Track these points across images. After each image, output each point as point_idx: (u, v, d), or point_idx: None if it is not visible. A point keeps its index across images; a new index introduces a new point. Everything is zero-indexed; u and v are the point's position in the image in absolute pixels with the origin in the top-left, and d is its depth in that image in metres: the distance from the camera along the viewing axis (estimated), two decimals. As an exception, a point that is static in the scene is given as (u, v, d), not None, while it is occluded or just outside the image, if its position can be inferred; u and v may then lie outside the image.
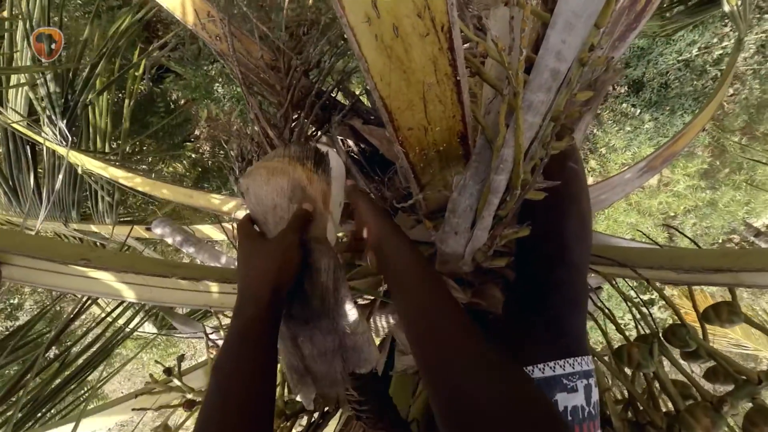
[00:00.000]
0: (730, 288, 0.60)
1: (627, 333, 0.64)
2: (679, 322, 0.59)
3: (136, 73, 2.02)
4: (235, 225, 1.40)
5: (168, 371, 0.93)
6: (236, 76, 0.88)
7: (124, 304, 1.70)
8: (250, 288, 0.42)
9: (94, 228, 1.92)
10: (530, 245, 0.55)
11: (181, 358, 0.97)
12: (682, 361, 0.61)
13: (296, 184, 0.49)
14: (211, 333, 1.05)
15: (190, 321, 1.53)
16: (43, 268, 0.47)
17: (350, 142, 1.12)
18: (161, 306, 1.72)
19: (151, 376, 0.96)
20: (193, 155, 3.65)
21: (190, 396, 0.91)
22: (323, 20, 1.00)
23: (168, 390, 0.93)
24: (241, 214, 1.27)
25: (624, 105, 3.45)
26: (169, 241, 1.06)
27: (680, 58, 3.24)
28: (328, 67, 0.97)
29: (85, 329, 1.41)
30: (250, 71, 0.99)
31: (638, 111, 3.44)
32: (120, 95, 2.30)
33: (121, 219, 2.10)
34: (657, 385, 0.60)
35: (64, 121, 1.48)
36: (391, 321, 0.89)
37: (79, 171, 1.61)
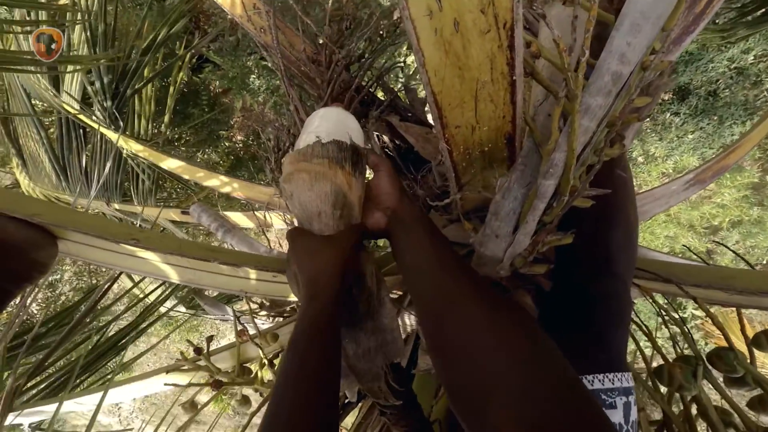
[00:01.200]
0: (786, 313, 0.56)
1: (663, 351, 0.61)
2: (725, 346, 0.56)
3: (180, 63, 2.09)
4: (265, 213, 1.43)
5: (198, 350, 0.97)
6: (278, 68, 0.89)
7: (158, 286, 1.78)
8: (323, 276, 0.44)
9: (133, 209, 2.01)
10: (572, 254, 0.54)
11: (210, 339, 1.00)
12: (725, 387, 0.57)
13: (339, 190, 0.49)
14: (240, 317, 1.07)
15: (218, 304, 1.58)
16: (94, 245, 0.49)
17: (386, 138, 1.12)
18: (195, 287, 1.79)
19: (181, 353, 1.00)
20: (227, 144, 3.76)
21: (217, 377, 0.94)
22: (364, 16, 1.00)
23: (196, 368, 0.96)
24: (275, 202, 1.29)
25: (666, 114, 3.29)
26: (205, 225, 1.10)
27: (733, 66, 3.05)
28: (369, 62, 0.97)
29: (123, 308, 1.49)
30: (291, 63, 1.00)
31: (681, 121, 3.27)
32: (164, 83, 2.40)
33: (158, 202, 2.19)
34: (694, 409, 0.57)
35: (114, 107, 1.56)
36: (415, 320, 0.88)
37: (124, 154, 1.69)
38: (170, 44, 2.35)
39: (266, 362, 0.87)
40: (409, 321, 0.80)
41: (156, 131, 2.10)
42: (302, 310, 0.43)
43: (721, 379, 0.58)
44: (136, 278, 2.11)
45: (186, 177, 1.43)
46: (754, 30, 1.80)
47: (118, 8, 1.62)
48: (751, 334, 0.58)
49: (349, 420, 0.96)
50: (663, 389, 0.59)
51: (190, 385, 0.87)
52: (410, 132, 1.01)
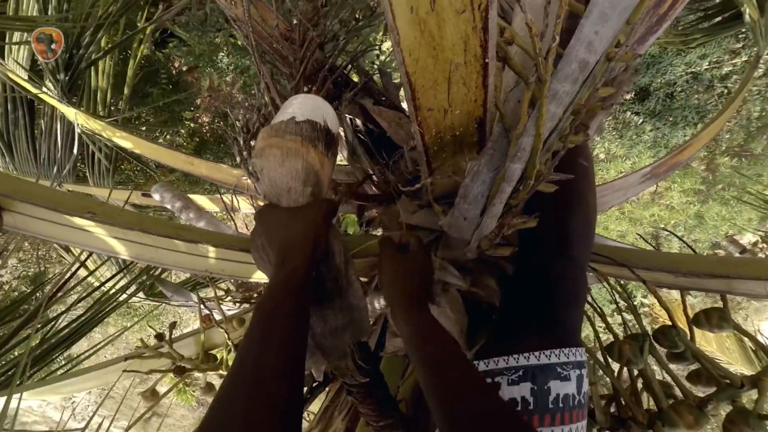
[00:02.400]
0: (721, 295, 0.61)
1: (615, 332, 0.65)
2: (669, 324, 0.61)
3: (141, 36, 1.97)
4: (232, 196, 1.39)
5: (160, 337, 0.94)
6: (249, 44, 0.86)
7: (116, 273, 1.69)
8: (295, 244, 0.43)
9: (88, 190, 1.89)
10: (533, 238, 0.56)
11: (173, 325, 0.97)
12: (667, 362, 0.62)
13: (310, 168, 0.48)
14: (205, 302, 1.05)
15: (182, 290, 1.53)
16: (46, 218, 0.46)
17: (358, 121, 1.11)
18: (158, 269, 1.72)
19: (141, 341, 0.97)
20: (192, 125, 3.59)
21: (180, 363, 0.92)
22: None
23: (158, 355, 0.93)
24: (243, 184, 1.26)
25: (628, 113, 3.47)
26: (169, 206, 1.05)
27: (689, 71, 3.24)
28: (344, 42, 0.95)
29: (76, 297, 1.40)
30: (263, 40, 0.97)
31: (641, 120, 3.46)
32: (124, 55, 2.24)
33: (116, 185, 2.07)
34: (640, 383, 0.62)
35: (67, 80, 1.44)
36: (383, 304, 0.89)
37: (77, 130, 1.58)
38: (131, 15, 2.20)
39: (232, 347, 0.86)
40: (377, 305, 0.81)
41: (114, 109, 1.97)
42: (271, 276, 0.43)
43: (666, 356, 0.63)
44: (92, 266, 2.00)
45: (152, 158, 1.36)
46: (712, 36, 1.91)
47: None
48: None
49: (316, 406, 0.96)
50: (614, 366, 0.64)
51: (151, 372, 0.84)
52: (383, 116, 1.00)
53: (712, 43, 2.97)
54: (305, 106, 0.53)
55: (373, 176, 1.09)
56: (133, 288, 1.78)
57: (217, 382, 1.00)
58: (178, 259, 0.54)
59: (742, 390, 0.54)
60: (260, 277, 0.64)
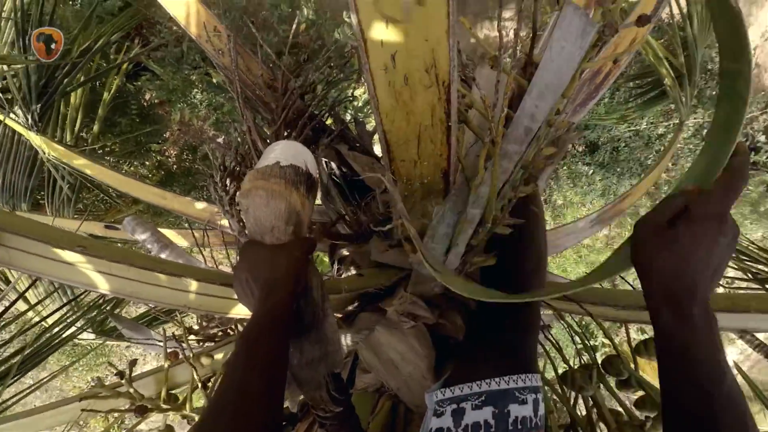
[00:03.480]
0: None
1: (571, 363, 0.72)
2: (614, 354, 0.68)
3: (117, 70, 1.99)
4: (201, 232, 1.39)
5: (120, 374, 0.90)
6: (234, 90, 0.92)
7: (59, 308, 1.58)
8: (277, 279, 0.46)
9: (45, 219, 1.81)
10: (492, 274, 0.63)
11: (133, 363, 0.94)
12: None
13: (292, 209, 0.52)
14: (170, 340, 1.02)
15: (140, 326, 1.46)
16: (33, 251, 0.47)
17: (333, 165, 1.18)
18: (110, 303, 1.63)
19: (98, 379, 0.92)
20: (159, 158, 3.54)
21: (139, 402, 0.88)
22: (316, 46, 1.07)
23: (116, 395, 0.89)
24: (218, 220, 1.27)
25: (579, 165, 3.81)
26: (139, 239, 1.04)
27: (631, 128, 3.64)
28: (324, 92, 1.03)
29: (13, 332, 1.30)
30: (247, 87, 1.03)
31: (591, 171, 3.79)
32: (93, 85, 2.24)
33: (78, 213, 2.00)
34: (595, 412, 0.67)
35: (39, 109, 1.43)
36: (355, 339, 0.92)
37: (44, 158, 1.54)
38: (107, 49, 2.23)
39: (199, 384, 0.84)
40: (348, 340, 0.83)
41: (81, 137, 1.94)
42: (256, 308, 0.45)
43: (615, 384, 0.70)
44: (33, 299, 1.86)
45: (123, 190, 1.34)
46: (645, 110, 2.23)
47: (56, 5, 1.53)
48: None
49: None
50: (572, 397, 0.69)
51: (111, 411, 0.81)
52: (357, 161, 1.08)
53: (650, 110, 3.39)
54: (288, 152, 0.58)
55: (346, 217, 1.14)
56: (80, 323, 1.66)
57: (177, 425, 0.96)
58: (159, 293, 0.55)
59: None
60: (238, 312, 0.66)
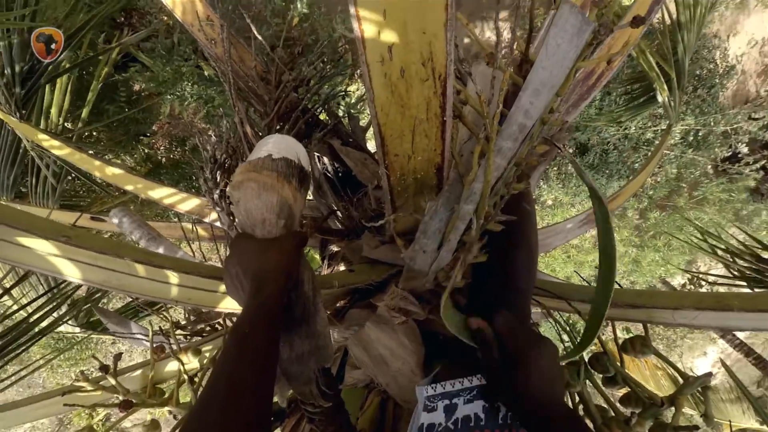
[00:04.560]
0: (643, 324, 0.70)
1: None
2: (601, 351, 0.69)
3: (106, 58, 1.95)
4: (190, 225, 1.37)
5: (104, 368, 0.88)
6: (227, 81, 0.90)
7: (40, 296, 1.54)
8: (268, 273, 0.46)
9: (27, 209, 1.76)
10: (484, 272, 0.63)
11: (118, 357, 0.92)
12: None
13: (284, 201, 0.52)
14: (156, 334, 1.01)
15: (125, 320, 1.44)
16: (14, 241, 0.46)
17: (326, 160, 1.17)
18: (95, 295, 1.61)
19: (81, 372, 0.90)
20: (147, 150, 3.49)
21: (124, 397, 0.87)
22: (311, 41, 1.06)
23: (100, 389, 0.87)
24: (207, 213, 1.25)
25: (569, 166, 3.86)
26: (126, 231, 1.02)
27: (621, 131, 3.69)
28: (317, 87, 1.03)
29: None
30: (239, 78, 1.02)
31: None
32: (81, 73, 2.19)
33: (62, 203, 1.95)
34: (581, 408, 0.68)
35: (23, 92, 1.39)
36: (345, 335, 0.92)
37: (28, 146, 1.50)
38: (95, 38, 2.17)
39: (186, 379, 0.83)
40: (339, 335, 0.83)
41: (68, 125, 1.90)
42: (247, 301, 0.45)
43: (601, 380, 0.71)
44: (11, 289, 1.81)
45: (110, 181, 1.32)
46: (636, 113, 2.27)
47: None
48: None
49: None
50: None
51: (95, 406, 0.79)
52: (350, 156, 1.07)
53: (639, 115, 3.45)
54: (280, 145, 0.58)
55: (338, 212, 1.14)
56: (61, 313, 1.63)
57: (163, 421, 0.95)
58: (146, 286, 0.54)
59: (663, 408, 0.61)
60: (226, 306, 0.65)
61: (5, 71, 1.45)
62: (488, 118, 0.48)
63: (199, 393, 0.45)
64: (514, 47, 0.56)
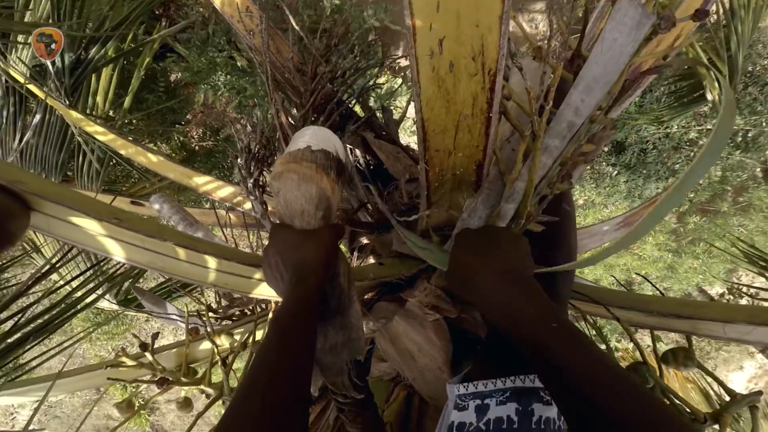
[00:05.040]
0: (687, 335, 0.67)
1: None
2: (640, 361, 0.66)
3: (149, 48, 2.02)
4: (225, 212, 1.41)
5: (144, 346, 0.93)
6: (264, 72, 0.92)
7: (82, 273, 1.65)
8: (308, 265, 0.46)
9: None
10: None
11: (155, 336, 0.96)
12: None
13: (322, 193, 0.52)
14: (191, 316, 1.05)
15: (161, 301, 1.50)
16: (70, 220, 0.48)
17: (358, 152, 1.17)
18: (134, 273, 1.68)
19: (123, 349, 0.95)
20: (182, 138, 3.61)
21: (161, 375, 0.91)
22: (341, 31, 1.06)
23: (138, 366, 0.92)
24: (241, 202, 1.28)
25: (603, 165, 3.70)
26: (165, 216, 1.06)
27: (661, 130, 3.51)
28: (354, 78, 1.02)
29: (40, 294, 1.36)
30: (276, 69, 1.03)
31: (616, 172, 3.68)
32: (124, 64, 2.28)
33: (104, 188, 2.05)
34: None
35: (72, 81, 1.47)
36: (372, 327, 0.92)
37: (75, 132, 1.58)
38: (135, 28, 2.26)
39: (219, 361, 0.86)
40: (371, 326, 0.84)
41: (111, 113, 1.99)
42: (287, 293, 0.46)
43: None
44: (63, 270, 1.93)
45: (150, 167, 1.37)
46: (680, 112, 2.15)
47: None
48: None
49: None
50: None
51: (135, 381, 0.83)
52: (383, 149, 1.07)
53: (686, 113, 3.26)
54: (318, 137, 0.58)
55: (368, 205, 1.14)
56: (103, 289, 1.72)
57: (195, 399, 0.99)
58: (188, 269, 0.56)
59: (706, 425, 0.59)
60: (260, 293, 0.67)
61: (55, 62, 1.53)
62: (536, 115, 0.46)
63: (239, 380, 0.46)
64: (563, 42, 0.53)
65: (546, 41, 0.49)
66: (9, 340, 1.16)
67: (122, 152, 1.42)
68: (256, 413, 0.33)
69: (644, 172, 3.61)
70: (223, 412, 0.36)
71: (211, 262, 0.58)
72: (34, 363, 1.23)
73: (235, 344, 0.95)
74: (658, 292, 0.86)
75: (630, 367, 0.66)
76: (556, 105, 0.52)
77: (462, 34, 0.36)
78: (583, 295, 0.70)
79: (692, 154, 3.49)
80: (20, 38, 1.59)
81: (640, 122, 2.95)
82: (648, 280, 0.87)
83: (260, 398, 0.34)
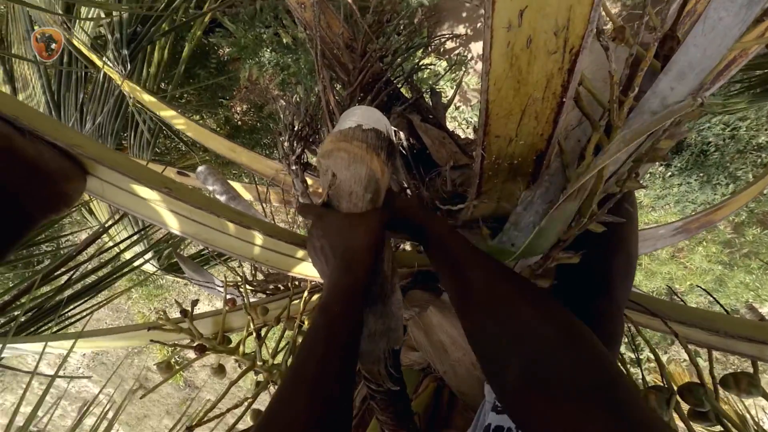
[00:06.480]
0: (753, 360, 0.61)
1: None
2: (696, 381, 0.61)
3: (200, 21, 2.06)
4: (264, 188, 1.43)
5: (184, 312, 0.96)
6: (314, 47, 0.90)
7: (131, 236, 1.76)
8: (357, 252, 0.45)
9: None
10: (576, 274, 0.57)
11: (194, 303, 1.00)
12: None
13: (372, 174, 0.50)
14: (229, 287, 1.07)
15: (201, 269, 1.56)
16: (122, 186, 0.49)
17: (402, 135, 1.14)
18: (176, 240, 1.76)
19: (164, 312, 1.00)
20: (226, 113, 3.70)
21: (199, 341, 0.94)
22: (394, 12, 1.01)
23: (178, 330, 0.96)
24: (280, 178, 1.29)
25: (656, 164, 3.44)
26: (209, 188, 1.09)
27: (727, 130, 3.20)
28: (403, 58, 0.99)
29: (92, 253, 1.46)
30: (325, 45, 1.01)
31: (669, 173, 3.42)
32: (176, 38, 2.34)
33: (154, 158, 2.15)
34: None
35: (128, 53, 1.52)
36: (405, 315, 0.91)
37: (130, 102, 1.65)
38: (188, 4, 2.31)
39: (254, 332, 0.88)
40: (405, 314, 0.82)
41: (163, 85, 2.06)
42: (335, 280, 0.44)
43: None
44: (112, 233, 2.06)
45: (196, 139, 1.41)
46: (753, 103, 1.93)
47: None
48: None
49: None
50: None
51: (174, 345, 0.87)
52: (429, 134, 1.03)
53: (753, 108, 2.94)
54: (369, 116, 0.55)
55: (408, 190, 1.11)
56: (149, 255, 1.83)
57: (228, 366, 1.02)
58: (231, 242, 0.57)
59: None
60: (299, 271, 0.66)
61: (115, 34, 1.59)
62: (615, 103, 0.41)
63: (285, 370, 0.46)
64: (653, 22, 0.47)
65: (629, 22, 0.44)
66: (65, 294, 1.26)
67: (172, 124, 1.46)
68: (304, 409, 0.32)
69: (702, 176, 3.33)
70: (257, 388, 0.36)
71: (257, 237, 0.57)
72: (84, 314, 1.33)
73: (270, 318, 0.97)
74: (721, 308, 0.78)
75: (684, 387, 0.61)
76: (624, 92, 0.47)
77: (547, 4, 0.32)
78: (639, 304, 0.65)
79: (759, 160, 3.17)
80: (83, 10, 1.66)
81: (717, 115, 2.66)
82: (708, 293, 0.79)
83: (306, 393, 0.33)
